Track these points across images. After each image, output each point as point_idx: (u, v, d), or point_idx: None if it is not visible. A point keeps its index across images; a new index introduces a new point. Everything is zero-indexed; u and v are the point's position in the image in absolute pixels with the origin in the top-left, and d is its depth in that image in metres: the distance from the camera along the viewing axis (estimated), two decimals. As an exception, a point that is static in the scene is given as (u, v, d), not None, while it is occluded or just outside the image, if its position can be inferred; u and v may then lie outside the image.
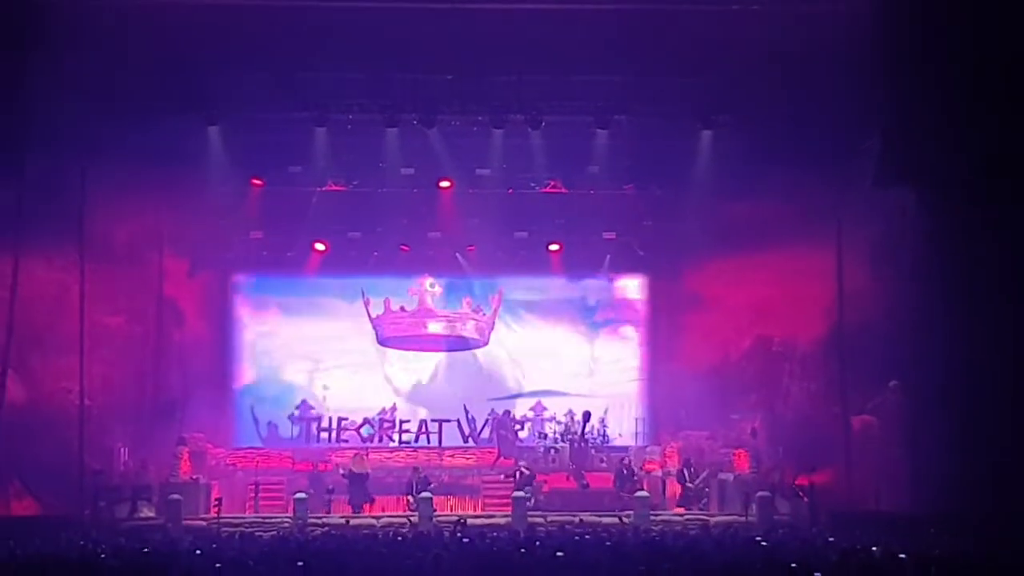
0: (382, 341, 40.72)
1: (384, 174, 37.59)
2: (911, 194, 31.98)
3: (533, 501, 34.27)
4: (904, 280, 32.06)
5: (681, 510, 34.68)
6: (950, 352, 30.41)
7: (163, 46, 31.17)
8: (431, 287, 40.59)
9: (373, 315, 40.27)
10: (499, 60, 32.98)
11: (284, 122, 35.49)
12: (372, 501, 34.84)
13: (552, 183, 38.38)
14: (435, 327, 40.70)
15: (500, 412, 39.70)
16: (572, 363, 41.61)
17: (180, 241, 37.17)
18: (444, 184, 38.06)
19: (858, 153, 32.41)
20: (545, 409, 39.93)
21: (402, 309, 40.32)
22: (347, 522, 31.85)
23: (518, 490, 34.05)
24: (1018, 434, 28.75)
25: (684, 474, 35.92)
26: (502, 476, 35.85)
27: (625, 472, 35.56)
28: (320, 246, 39.53)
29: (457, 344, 41.08)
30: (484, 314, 40.81)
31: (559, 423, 39.20)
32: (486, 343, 41.06)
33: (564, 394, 40.78)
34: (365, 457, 36.24)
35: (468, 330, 40.89)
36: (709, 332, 37.91)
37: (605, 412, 39.60)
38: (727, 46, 31.24)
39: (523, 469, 35.42)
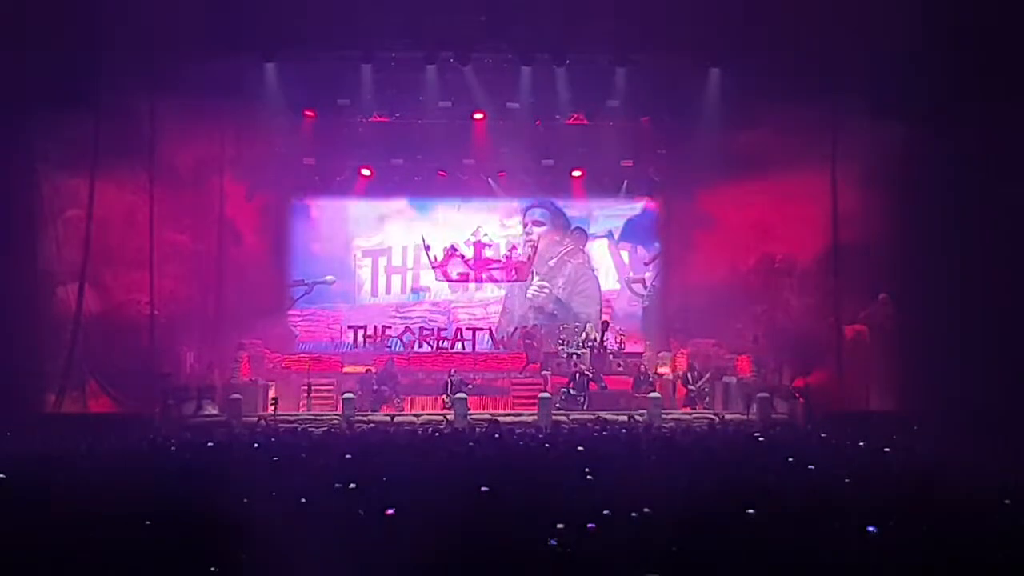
0: (439, 279, 40.92)
1: (424, 107, 37.63)
2: (898, 125, 31.83)
3: (586, 402, 34.67)
4: (892, 202, 32.00)
5: (688, 409, 34.91)
6: (933, 267, 30.78)
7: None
8: (484, 237, 40.72)
9: (433, 260, 40.25)
10: (528, 3, 33.14)
11: (334, 59, 35.54)
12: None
13: (575, 115, 38.31)
14: (486, 275, 40.95)
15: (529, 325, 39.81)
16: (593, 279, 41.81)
17: (240, 167, 37.09)
18: (477, 116, 38.10)
19: (851, 88, 32.17)
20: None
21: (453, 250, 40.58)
22: (391, 419, 32.01)
23: (576, 390, 34.78)
24: (991, 340, 29.26)
25: (688, 377, 36.24)
26: (569, 382, 35.36)
27: (641, 377, 35.84)
28: (366, 171, 39.75)
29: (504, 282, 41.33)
30: (526, 257, 40.89)
31: (578, 332, 39.03)
32: (526, 279, 41.18)
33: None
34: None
35: (514, 274, 40.96)
36: (718, 250, 37.50)
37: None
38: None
39: (585, 372, 35.57)
